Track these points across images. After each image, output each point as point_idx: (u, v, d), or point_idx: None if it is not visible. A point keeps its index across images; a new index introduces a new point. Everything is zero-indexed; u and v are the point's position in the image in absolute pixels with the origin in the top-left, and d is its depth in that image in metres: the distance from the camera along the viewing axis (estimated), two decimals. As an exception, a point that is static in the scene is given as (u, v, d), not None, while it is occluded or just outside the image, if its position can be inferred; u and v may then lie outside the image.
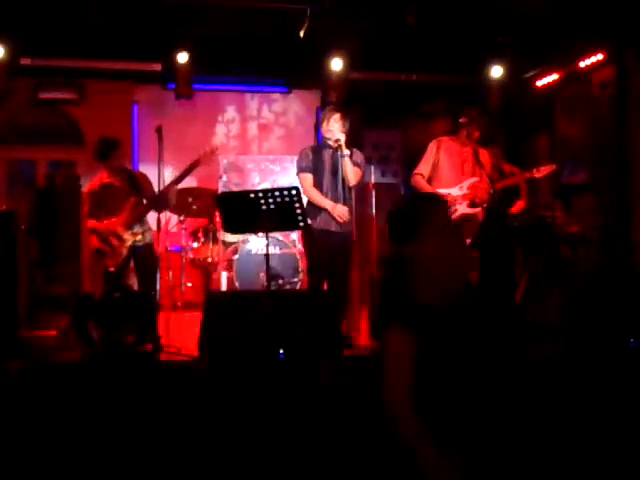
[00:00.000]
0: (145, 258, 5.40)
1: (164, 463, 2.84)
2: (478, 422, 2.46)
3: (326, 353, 4.29)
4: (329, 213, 4.90)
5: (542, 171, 5.59)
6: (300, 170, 5.04)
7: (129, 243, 5.32)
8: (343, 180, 4.87)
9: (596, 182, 7.09)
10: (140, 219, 5.40)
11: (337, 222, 4.89)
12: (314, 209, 4.91)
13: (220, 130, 8.51)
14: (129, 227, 5.33)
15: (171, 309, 5.64)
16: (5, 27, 6.38)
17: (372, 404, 3.35)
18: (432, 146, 5.57)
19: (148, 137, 7.38)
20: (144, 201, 5.44)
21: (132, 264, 5.45)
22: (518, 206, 6.18)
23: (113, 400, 3.32)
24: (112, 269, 5.31)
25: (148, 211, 5.40)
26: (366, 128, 8.45)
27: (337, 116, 4.95)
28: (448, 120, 5.87)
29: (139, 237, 5.37)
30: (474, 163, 5.49)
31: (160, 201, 5.33)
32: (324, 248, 4.89)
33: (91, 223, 5.38)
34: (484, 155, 5.56)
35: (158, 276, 5.29)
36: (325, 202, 4.92)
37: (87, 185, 5.70)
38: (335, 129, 4.91)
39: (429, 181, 5.56)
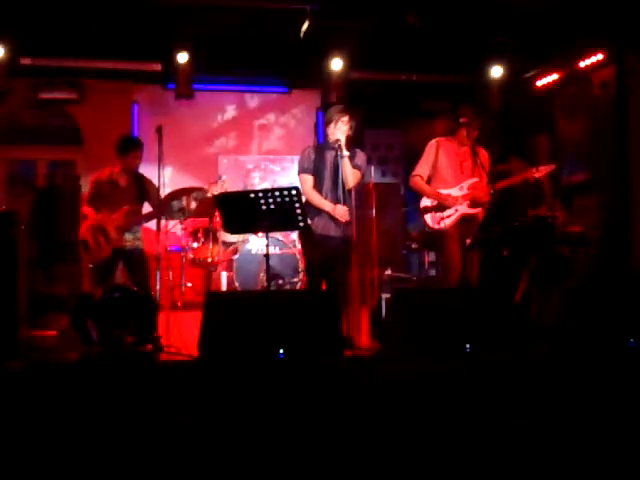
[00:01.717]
0: (136, 263, 5.40)
1: (164, 463, 2.84)
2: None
3: (326, 353, 4.28)
4: (329, 215, 4.89)
5: (541, 171, 5.59)
6: (301, 171, 5.02)
7: (115, 244, 5.30)
8: (343, 181, 4.85)
9: (596, 182, 7.09)
10: (134, 226, 5.39)
11: (337, 224, 4.87)
12: (313, 210, 4.90)
13: (220, 130, 8.52)
14: (120, 230, 5.31)
15: (171, 309, 5.63)
16: (5, 27, 6.39)
17: (372, 404, 3.35)
18: (431, 147, 5.57)
19: (148, 137, 7.37)
20: (145, 209, 5.46)
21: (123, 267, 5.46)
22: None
23: (113, 400, 3.32)
24: (91, 265, 5.32)
25: (149, 219, 5.39)
26: (366, 128, 8.45)
27: (346, 118, 4.92)
28: (448, 120, 5.87)
29: (128, 242, 5.36)
30: (473, 162, 5.49)
31: (163, 209, 5.34)
32: (323, 251, 4.88)
33: (87, 210, 5.40)
34: (483, 155, 5.56)
35: (158, 276, 5.28)
36: (325, 204, 4.90)
37: (96, 172, 5.70)
38: (342, 131, 4.88)
39: (429, 181, 5.56)
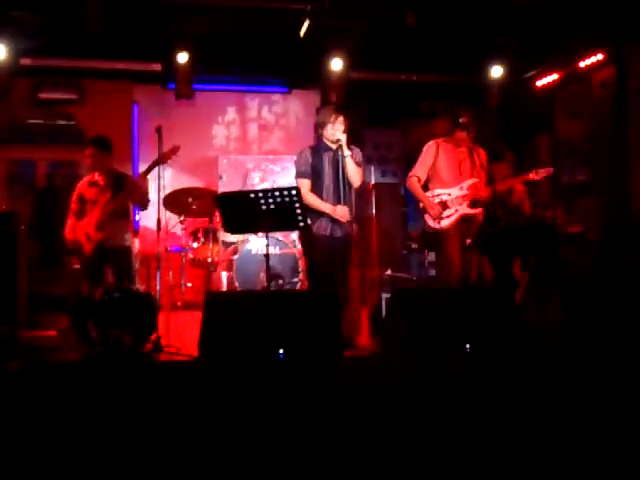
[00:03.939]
0: (121, 265, 5.41)
1: (164, 463, 2.84)
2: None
3: (326, 353, 4.28)
4: (329, 216, 4.88)
5: (540, 173, 5.61)
6: (298, 175, 5.01)
7: (96, 242, 5.32)
8: (344, 181, 4.85)
9: (596, 182, 7.09)
10: (114, 215, 5.39)
11: (338, 225, 4.87)
12: (313, 213, 4.88)
13: (220, 130, 8.52)
14: (100, 224, 5.33)
15: (171, 309, 5.63)
16: (5, 27, 6.39)
17: (372, 404, 3.35)
18: (429, 148, 5.57)
19: (148, 137, 7.38)
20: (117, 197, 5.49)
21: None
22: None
23: (113, 400, 3.32)
24: (77, 266, 5.35)
25: (119, 203, 5.39)
26: (366, 128, 8.45)
27: (341, 118, 4.93)
28: (448, 120, 5.87)
29: (107, 238, 5.36)
30: (471, 163, 5.50)
31: (132, 194, 5.34)
32: (324, 252, 4.88)
33: (69, 222, 5.46)
34: (482, 155, 5.57)
35: (158, 276, 5.28)
36: (324, 206, 4.89)
37: (79, 182, 5.76)
38: (340, 131, 4.89)
39: (428, 181, 5.57)
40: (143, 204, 5.49)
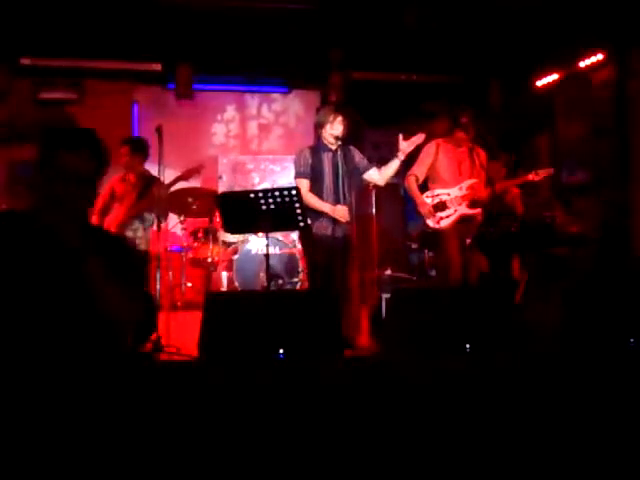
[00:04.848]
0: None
1: (164, 463, 2.84)
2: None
3: (326, 353, 4.29)
4: (329, 216, 4.88)
5: (540, 174, 5.63)
6: (297, 175, 5.00)
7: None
8: (343, 181, 4.86)
9: (596, 182, 7.10)
10: (137, 218, 5.43)
11: (338, 225, 4.88)
12: (312, 214, 4.87)
13: (220, 130, 8.52)
14: (122, 226, 5.38)
15: (171, 309, 5.63)
16: (5, 27, 6.39)
17: (372, 404, 3.35)
18: (429, 148, 5.57)
19: (148, 137, 7.38)
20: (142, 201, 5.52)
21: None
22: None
23: (112, 400, 3.32)
24: None
25: (144, 206, 5.43)
26: (366, 128, 8.45)
27: (340, 118, 4.93)
28: (448, 120, 5.87)
29: (129, 240, 5.39)
30: (471, 163, 5.51)
31: (154, 200, 5.39)
32: (324, 252, 4.88)
33: (93, 220, 5.50)
34: (482, 155, 5.57)
35: (158, 276, 5.28)
36: (324, 206, 4.89)
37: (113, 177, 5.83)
38: (339, 131, 4.90)
39: (428, 181, 5.58)
40: (160, 214, 5.51)
